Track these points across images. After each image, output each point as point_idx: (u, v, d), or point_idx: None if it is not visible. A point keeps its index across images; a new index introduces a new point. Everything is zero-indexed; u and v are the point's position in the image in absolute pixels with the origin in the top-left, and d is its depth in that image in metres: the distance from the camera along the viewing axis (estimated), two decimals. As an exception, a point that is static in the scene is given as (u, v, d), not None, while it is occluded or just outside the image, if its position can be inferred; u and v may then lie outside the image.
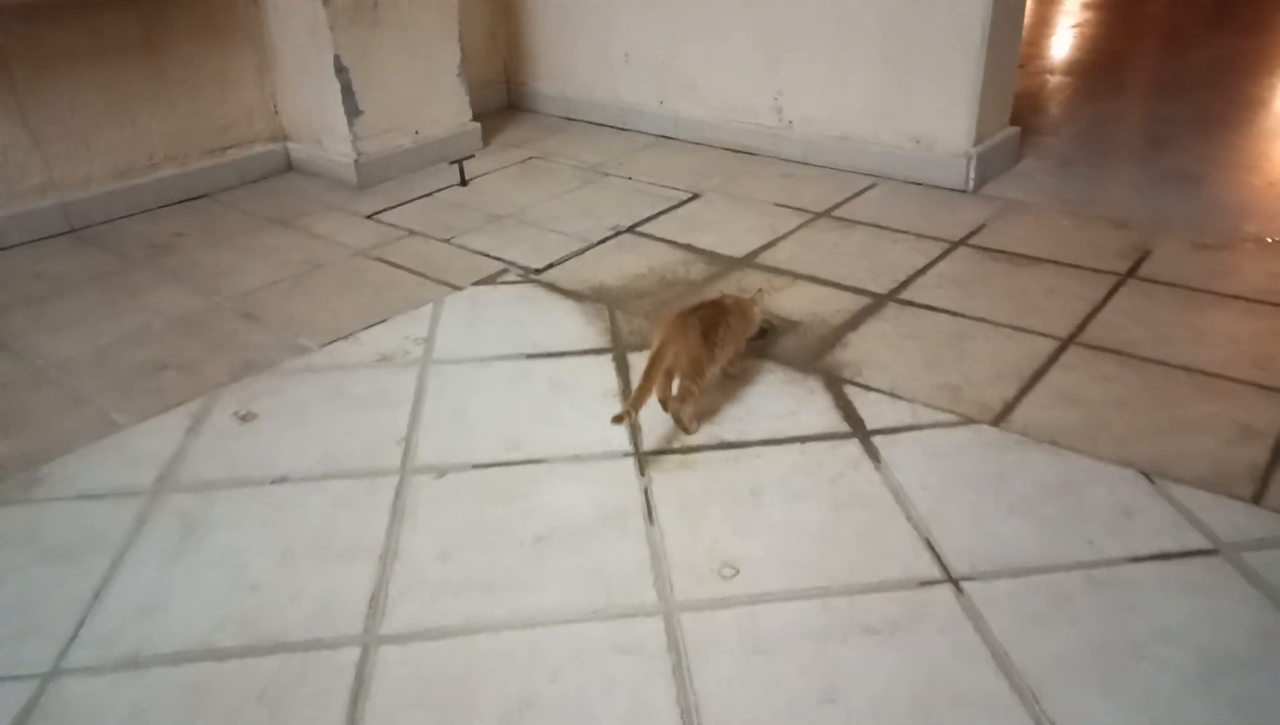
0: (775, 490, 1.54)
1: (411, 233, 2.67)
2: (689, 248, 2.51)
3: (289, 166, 3.23)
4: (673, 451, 1.66)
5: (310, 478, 1.60)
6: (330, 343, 2.06)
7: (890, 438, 1.67)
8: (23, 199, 2.64)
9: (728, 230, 2.62)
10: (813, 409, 1.77)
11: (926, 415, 1.74)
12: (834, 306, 2.17)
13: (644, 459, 1.63)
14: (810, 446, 1.66)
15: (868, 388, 1.83)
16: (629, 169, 3.16)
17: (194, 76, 2.92)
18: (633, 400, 1.58)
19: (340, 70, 2.88)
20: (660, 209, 2.80)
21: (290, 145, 3.20)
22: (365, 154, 3.03)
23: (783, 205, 2.79)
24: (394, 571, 1.38)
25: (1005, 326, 2.04)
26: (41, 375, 1.94)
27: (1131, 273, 2.26)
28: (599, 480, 1.58)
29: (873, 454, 1.63)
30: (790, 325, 2.09)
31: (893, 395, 1.80)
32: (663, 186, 2.98)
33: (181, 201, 2.95)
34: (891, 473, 1.57)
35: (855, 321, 2.09)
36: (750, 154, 3.26)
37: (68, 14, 2.61)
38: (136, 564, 1.40)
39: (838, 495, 1.53)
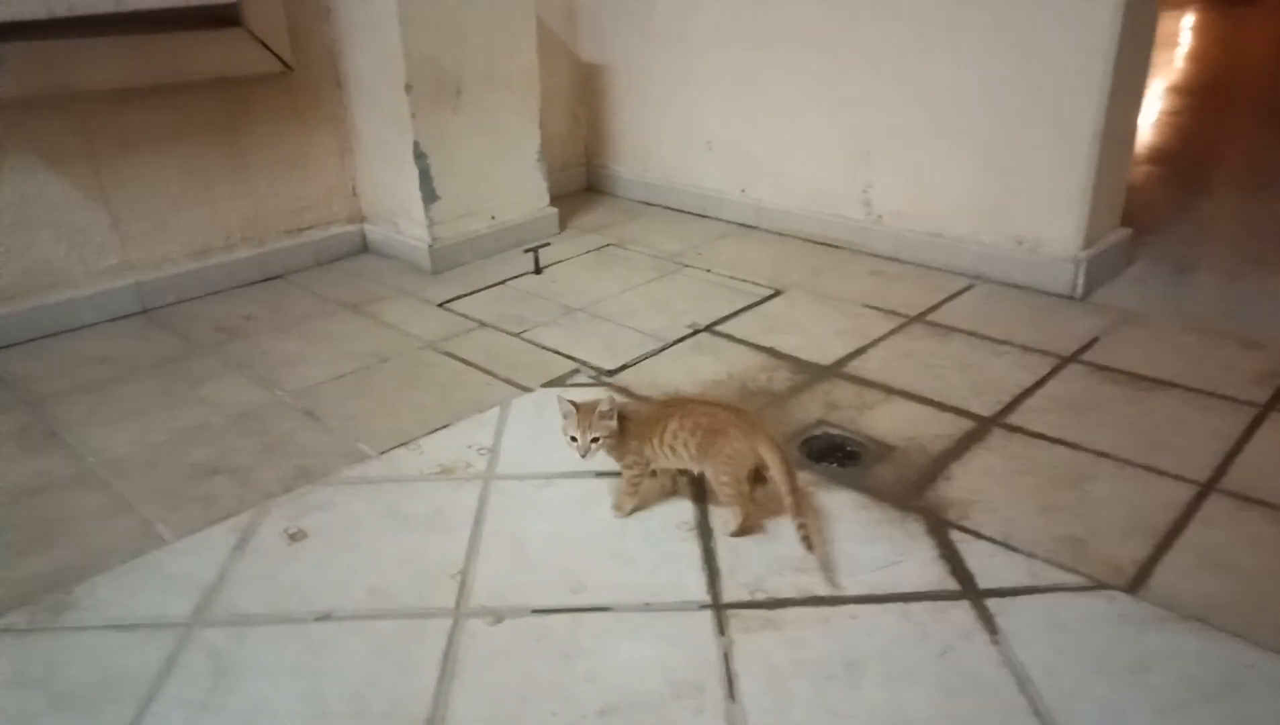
0: (875, 665, 1.34)
1: (482, 325, 2.57)
2: (771, 352, 2.35)
3: (365, 248, 3.18)
4: (756, 604, 1.47)
5: (356, 616, 1.46)
6: (390, 449, 1.94)
7: (1007, 602, 1.46)
8: (98, 279, 2.63)
9: (812, 332, 2.45)
10: (915, 559, 1.57)
11: (1047, 574, 1.52)
12: (933, 429, 1.97)
13: (723, 614, 1.45)
14: (914, 608, 1.45)
15: (977, 534, 1.62)
16: (708, 260, 3.03)
17: (274, 158, 2.91)
18: (799, 509, 1.52)
19: (419, 156, 2.84)
20: (740, 306, 2.65)
21: (367, 227, 3.17)
22: (440, 239, 2.96)
23: (872, 306, 2.62)
24: (438, 747, 1.22)
25: (1132, 465, 1.81)
26: (89, 475, 1.86)
27: (1273, 404, 2.01)
28: (672, 638, 1.40)
29: (987, 622, 1.41)
30: (885, 450, 1.90)
31: (1006, 546, 1.59)
32: (743, 281, 2.84)
33: (256, 282, 2.92)
34: (1011, 649, 1.36)
35: (958, 450, 1.89)
36: (835, 247, 3.10)
37: (154, 97, 2.62)
38: (160, 717, 1.27)
39: (949, 676, 1.32)
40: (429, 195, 2.90)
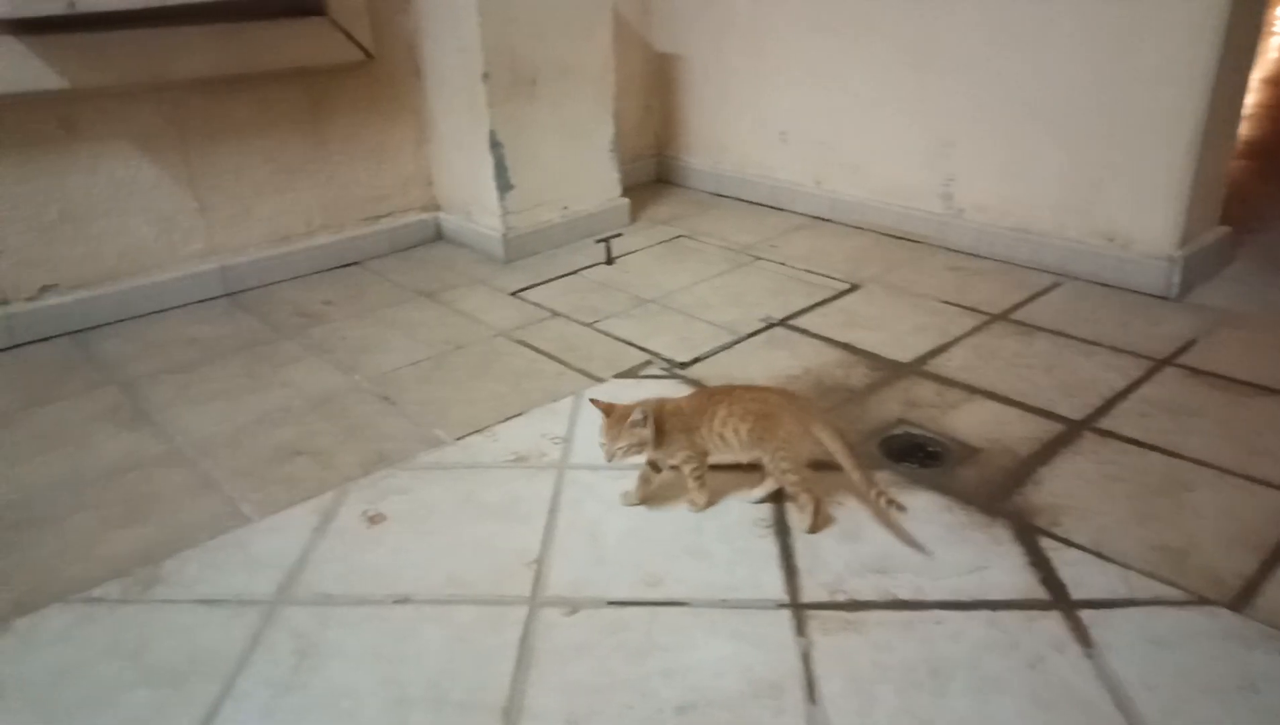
0: (962, 673, 1.30)
1: (555, 314, 2.57)
2: (848, 348, 2.30)
3: (439, 236, 3.22)
4: (836, 605, 1.44)
5: (434, 601, 1.47)
6: (465, 436, 1.95)
7: (1101, 614, 1.39)
8: (185, 263, 2.70)
9: (891, 328, 2.40)
10: (1002, 565, 1.51)
11: (1144, 586, 1.45)
12: (1019, 432, 1.90)
13: (802, 614, 1.42)
14: (1002, 616, 1.40)
15: (1068, 542, 1.56)
16: (782, 252, 2.98)
17: (354, 147, 2.96)
18: (869, 479, 1.53)
19: (494, 145, 2.85)
20: (816, 300, 2.60)
21: (441, 216, 3.20)
22: (513, 228, 2.97)
23: (952, 302, 2.54)
24: (516, 736, 1.22)
25: (1234, 474, 1.72)
26: (177, 454, 1.91)
27: (1390, 413, 1.89)
28: (749, 637, 1.38)
29: (1080, 633, 1.36)
30: (969, 452, 1.84)
31: (1099, 555, 1.53)
32: (818, 274, 2.79)
33: (333, 268, 2.97)
34: (1107, 662, 1.30)
35: (1046, 453, 1.82)
36: (913, 241, 3.03)
37: (241, 87, 2.67)
38: (245, 695, 1.29)
39: (1040, 688, 1.27)
40: (503, 184, 2.91)
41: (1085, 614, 1.40)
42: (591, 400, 1.60)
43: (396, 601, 1.47)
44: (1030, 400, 2.01)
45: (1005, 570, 1.50)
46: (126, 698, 1.29)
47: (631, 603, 1.46)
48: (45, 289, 2.48)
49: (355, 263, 3.02)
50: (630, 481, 1.70)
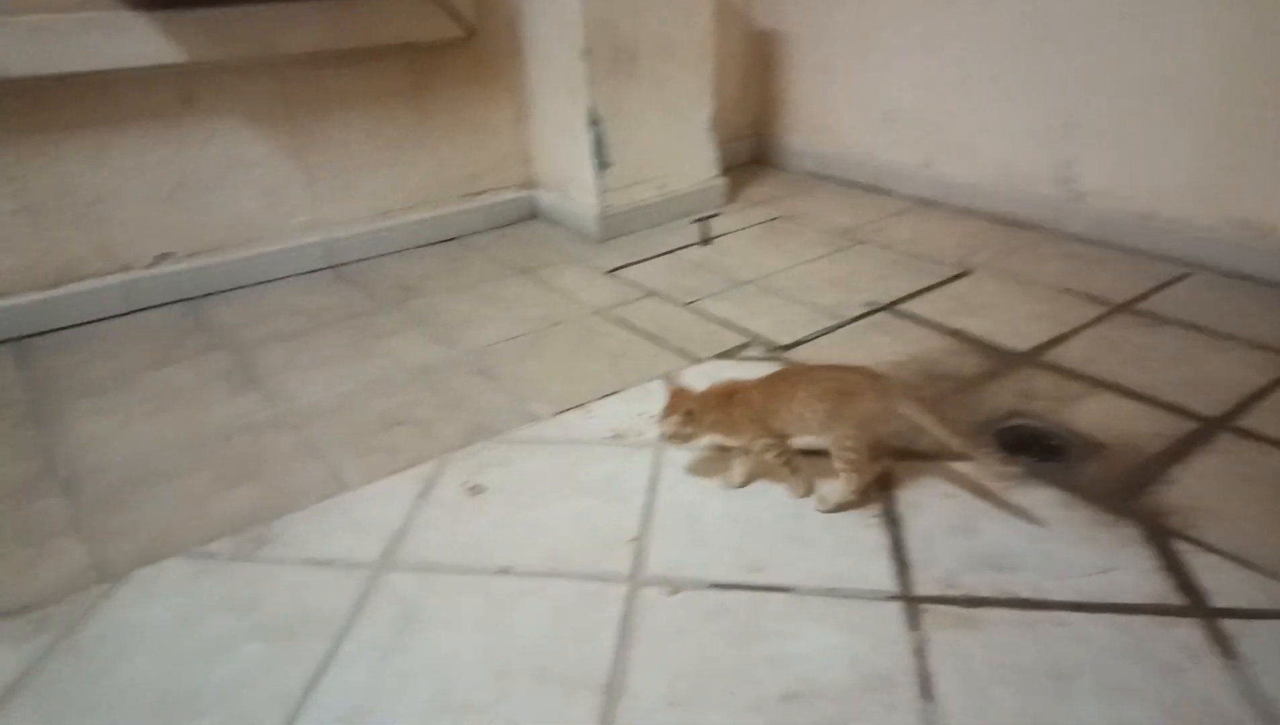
0: (1087, 678, 1.22)
1: (651, 293, 2.54)
2: (958, 335, 2.20)
3: (534, 214, 3.22)
4: (951, 600, 1.37)
5: (534, 573, 1.46)
6: (563, 412, 1.94)
7: (1246, 624, 1.29)
8: (291, 235, 2.77)
9: (1004, 316, 2.29)
10: (1133, 567, 1.42)
11: (1294, 598, 1.34)
12: (1147, 428, 1.78)
13: (915, 607, 1.36)
14: (1133, 621, 1.31)
15: (1206, 547, 1.45)
16: (886, 236, 2.89)
17: (454, 123, 2.98)
18: (973, 445, 1.49)
19: (593, 123, 2.82)
20: (923, 285, 2.50)
21: (538, 193, 3.20)
22: (610, 206, 2.95)
23: (1070, 290, 2.41)
24: (618, 715, 1.19)
25: (1394, 482, 1.58)
26: (284, 420, 1.95)
27: None
28: (858, 628, 1.32)
29: (1222, 644, 1.26)
30: (1092, 447, 1.74)
31: (1243, 562, 1.42)
32: (925, 258, 2.68)
33: (432, 244, 3.00)
34: (1254, 677, 1.20)
35: (1179, 452, 1.71)
36: (1027, 227, 2.89)
37: (347, 62, 2.71)
38: (350, 657, 1.30)
39: (1176, 699, 1.18)
40: (601, 162, 2.89)
41: (1228, 624, 1.30)
42: (669, 384, 1.59)
43: (497, 572, 1.46)
44: (1160, 395, 1.89)
45: (1135, 573, 1.41)
46: (240, 650, 1.32)
47: (734, 586, 1.42)
48: (162, 257, 2.57)
49: (453, 238, 3.04)
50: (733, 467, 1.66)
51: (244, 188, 2.66)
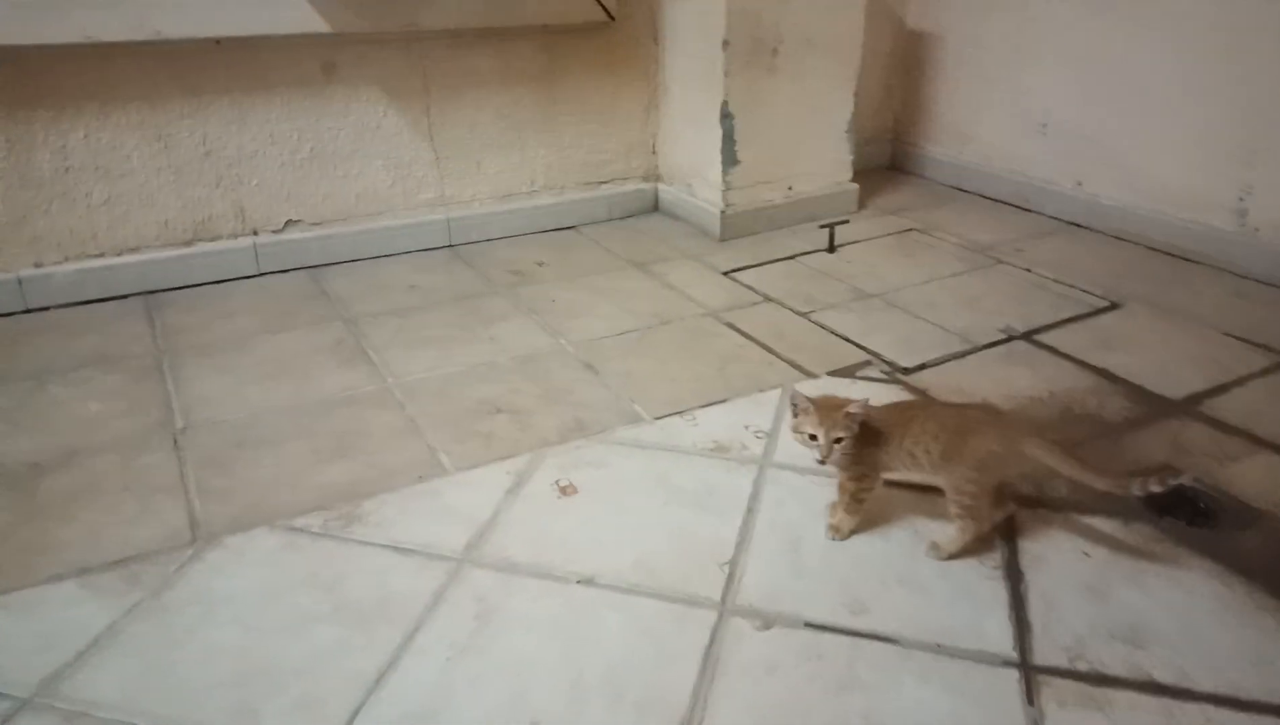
0: (1236, 789, 1.06)
1: (767, 299, 2.43)
2: (1103, 374, 2.01)
3: (656, 207, 3.15)
4: (1076, 675, 1.22)
5: (618, 587, 1.39)
6: (664, 416, 1.86)
7: None
8: (416, 210, 2.78)
9: (1156, 357, 2.08)
10: (1296, 663, 1.24)
11: None
12: (1322, 501, 1.57)
13: (1033, 678, 1.22)
14: (1293, 727, 1.14)
15: (1387, 650, 1.25)
16: (1028, 257, 2.68)
17: (583, 109, 2.93)
18: (1120, 480, 1.33)
19: (725, 116, 2.73)
20: (1067, 315, 2.30)
21: (660, 186, 3.12)
22: (733, 205, 2.85)
23: (1236, 336, 2.17)
24: (693, 754, 1.11)
25: None
26: (388, 396, 1.94)
27: None
28: (966, 692, 1.20)
29: (1404, 771, 1.08)
30: (1253, 515, 1.54)
31: None
32: (1070, 286, 2.48)
33: (550, 230, 2.97)
34: None
35: (1358, 532, 1.49)
36: (1189, 260, 2.63)
37: (483, 41, 2.70)
38: (424, 649, 1.26)
39: (1347, 832, 1.01)
40: (729, 158, 2.79)
41: None
42: (795, 394, 1.41)
43: (580, 581, 1.40)
44: (1338, 464, 1.67)
45: (1299, 670, 1.23)
46: (317, 631, 1.30)
47: (832, 628, 1.31)
48: (290, 223, 2.63)
49: (571, 227, 3.01)
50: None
51: (374, 160, 2.69)
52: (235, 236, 2.57)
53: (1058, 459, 1.37)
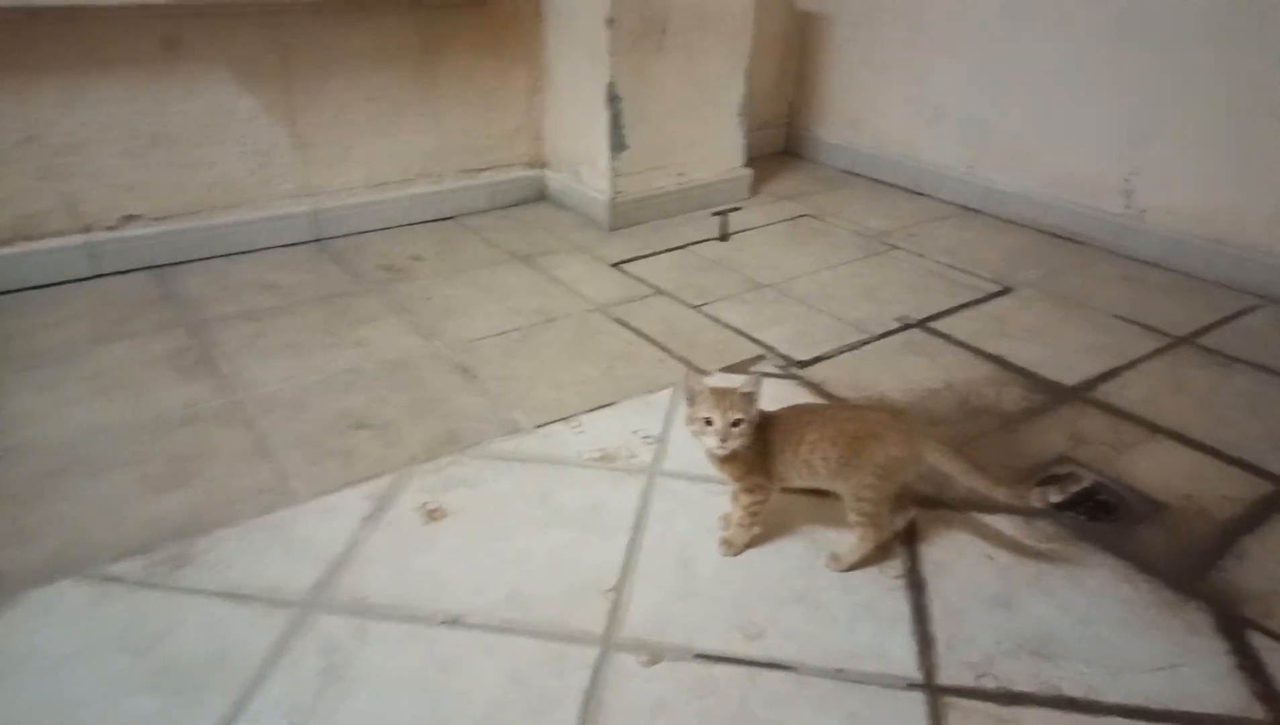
0: (1153, 817, 0.99)
1: (659, 291, 2.31)
2: (999, 362, 1.96)
3: (542, 196, 2.99)
4: (984, 695, 1.14)
5: (490, 626, 1.24)
6: (547, 424, 1.71)
7: (1346, 757, 1.06)
8: (276, 202, 2.55)
9: (1051, 343, 2.04)
10: (1202, 664, 1.18)
11: (1404, 723, 1.10)
12: (1217, 488, 1.54)
13: (939, 700, 1.13)
14: (1205, 740, 1.08)
15: (1291, 647, 1.21)
16: (922, 243, 2.63)
17: (465, 92, 2.74)
18: (1013, 490, 1.28)
19: (612, 99, 2.58)
20: (961, 301, 2.26)
21: (546, 173, 2.96)
22: (622, 192, 2.71)
23: (1127, 319, 2.16)
24: (569, 824, 0.98)
25: None
26: (237, 411, 1.73)
27: None
28: (871, 722, 1.10)
29: (1317, 781, 1.03)
30: (1152, 507, 1.50)
31: (1336, 669, 1.18)
32: (965, 271, 2.43)
33: (428, 221, 2.77)
34: (1358, 832, 0.97)
35: (1254, 519, 1.47)
36: (1079, 243, 2.63)
37: (353, 17, 2.48)
38: (258, 718, 1.09)
39: None
40: (617, 143, 2.65)
41: (1323, 754, 1.06)
42: (690, 377, 1.29)
43: (446, 622, 1.24)
44: (1231, 449, 1.65)
45: (1206, 673, 1.17)
46: (129, 704, 1.10)
47: (725, 658, 1.19)
48: (129, 218, 2.35)
49: (451, 217, 2.82)
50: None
51: (229, 147, 2.44)
52: (64, 234, 2.28)
53: (958, 466, 1.29)
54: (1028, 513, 1.44)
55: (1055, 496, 1.23)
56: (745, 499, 1.34)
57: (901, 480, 1.32)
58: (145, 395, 1.78)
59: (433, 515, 1.45)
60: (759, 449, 1.31)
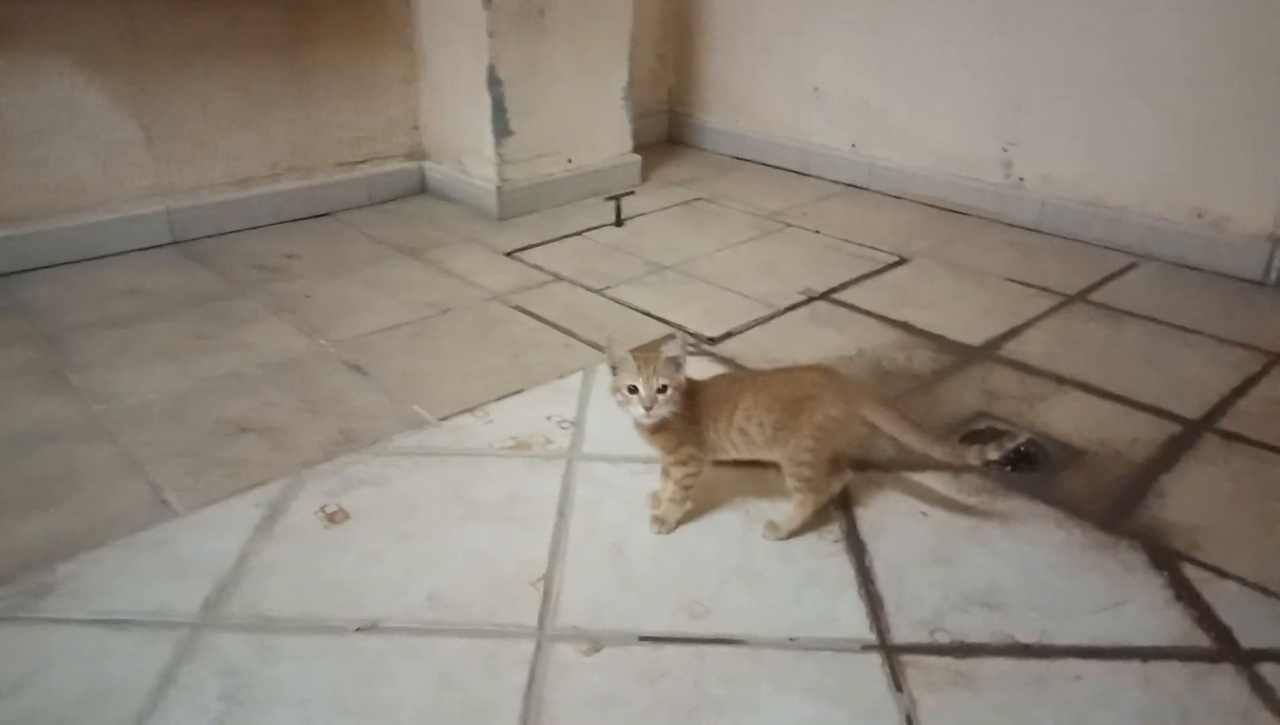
0: (1121, 752, 0.97)
1: (558, 278, 2.22)
2: (905, 327, 1.96)
3: (424, 188, 2.84)
4: (940, 650, 1.10)
5: (410, 629, 1.12)
6: (453, 416, 1.60)
7: (1288, 672, 1.07)
8: (130, 202, 2.32)
9: (951, 307, 2.06)
10: (1144, 599, 1.19)
11: (1332, 635, 1.13)
12: (1128, 432, 1.57)
13: (896, 659, 1.08)
14: (1157, 670, 1.07)
15: (1219, 572, 1.23)
16: (815, 221, 2.64)
17: (335, 81, 2.57)
18: (953, 449, 1.25)
19: (494, 83, 2.48)
20: (860, 273, 2.26)
21: (427, 165, 2.82)
22: (510, 180, 2.61)
23: (1018, 281, 2.21)
24: (523, 834, 0.88)
25: (1403, 491, 1.41)
26: (100, 426, 1.54)
27: None
28: (832, 691, 1.04)
29: (1268, 697, 1.03)
30: (1071, 454, 1.51)
31: (1261, 589, 1.20)
32: (860, 245, 2.45)
33: (301, 219, 2.59)
34: (1312, 744, 0.98)
35: (1166, 459, 1.50)
36: (962, 214, 2.69)
37: (211, 4, 2.29)
38: (146, 759, 0.94)
39: (1233, 779, 0.94)
40: (501, 129, 2.54)
41: (1266, 668, 1.07)
42: (610, 344, 1.22)
43: (361, 629, 1.11)
44: (1135, 395, 1.69)
45: (1148, 607, 1.17)
46: (-19, 760, 0.94)
47: (671, 639, 1.11)
48: (-41, 223, 2.10)
49: (326, 214, 2.64)
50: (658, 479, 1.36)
51: (74, 143, 2.20)
52: (-123, 245, 2.01)
53: (897, 425, 1.26)
54: (961, 469, 1.43)
55: (994, 453, 1.21)
56: (677, 472, 1.27)
57: (841, 441, 1.28)
58: (-13, 415, 1.57)
59: (334, 518, 1.32)
60: (689, 417, 1.24)
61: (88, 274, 2.18)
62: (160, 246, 2.35)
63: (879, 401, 1.26)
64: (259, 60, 2.43)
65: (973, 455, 1.21)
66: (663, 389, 1.19)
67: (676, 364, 1.21)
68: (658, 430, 1.23)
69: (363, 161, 2.71)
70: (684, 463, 1.26)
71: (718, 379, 1.30)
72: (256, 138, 2.49)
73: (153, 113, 2.29)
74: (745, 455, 1.28)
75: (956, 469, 1.43)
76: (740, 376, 1.33)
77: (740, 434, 1.24)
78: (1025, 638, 1.12)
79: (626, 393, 1.19)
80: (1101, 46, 2.31)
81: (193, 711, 0.99)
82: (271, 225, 2.52)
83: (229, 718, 0.99)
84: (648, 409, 1.18)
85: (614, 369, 1.23)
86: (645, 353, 1.21)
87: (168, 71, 2.29)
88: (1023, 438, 1.26)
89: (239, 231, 2.46)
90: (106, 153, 2.26)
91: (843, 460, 1.34)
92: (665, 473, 1.31)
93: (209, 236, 2.42)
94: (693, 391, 1.24)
